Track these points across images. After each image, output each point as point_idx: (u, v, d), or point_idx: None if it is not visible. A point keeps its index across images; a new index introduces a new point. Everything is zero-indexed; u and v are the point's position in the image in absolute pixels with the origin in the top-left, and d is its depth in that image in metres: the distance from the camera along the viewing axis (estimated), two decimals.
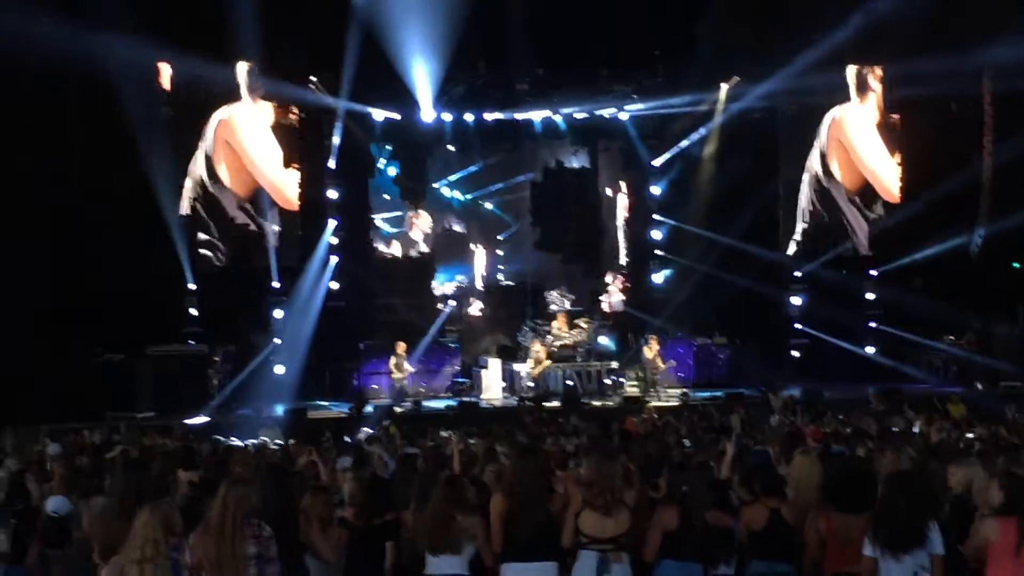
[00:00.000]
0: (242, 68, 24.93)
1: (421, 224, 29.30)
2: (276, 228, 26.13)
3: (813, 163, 27.54)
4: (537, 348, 25.77)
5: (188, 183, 25.20)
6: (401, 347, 25.34)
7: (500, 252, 30.18)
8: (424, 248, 29.39)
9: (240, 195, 25.79)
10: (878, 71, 26.82)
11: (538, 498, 8.15)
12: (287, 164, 26.18)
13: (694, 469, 9.43)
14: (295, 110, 26.60)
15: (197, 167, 25.31)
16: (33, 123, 22.41)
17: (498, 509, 8.18)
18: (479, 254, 29.86)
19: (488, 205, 30.23)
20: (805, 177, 27.59)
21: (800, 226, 27.81)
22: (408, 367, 25.18)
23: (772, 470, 9.10)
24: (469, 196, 29.98)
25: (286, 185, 26.17)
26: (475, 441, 14.15)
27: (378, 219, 29.15)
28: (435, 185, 29.50)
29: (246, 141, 25.68)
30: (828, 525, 7.58)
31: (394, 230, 29.45)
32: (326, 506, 8.48)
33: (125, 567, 6.86)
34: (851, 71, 26.79)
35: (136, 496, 7.81)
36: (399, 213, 29.40)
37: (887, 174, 27.18)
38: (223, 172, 25.55)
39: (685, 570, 8.19)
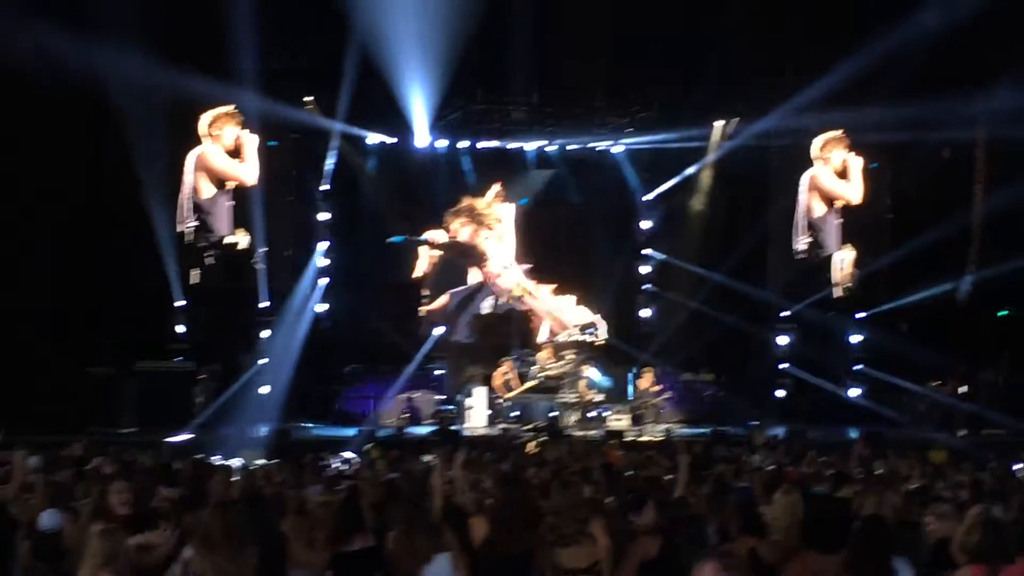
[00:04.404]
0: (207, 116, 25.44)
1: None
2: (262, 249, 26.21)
3: (801, 209, 27.85)
4: (505, 369, 25.78)
5: (181, 202, 25.33)
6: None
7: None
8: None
9: (231, 216, 25.88)
10: (838, 134, 27.59)
11: (521, 528, 8.09)
12: (276, 187, 26.37)
13: (674, 504, 9.43)
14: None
15: (187, 187, 25.42)
16: (32, 136, 22.42)
17: (479, 534, 8.14)
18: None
19: None
20: (797, 218, 27.87)
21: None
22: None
23: (752, 509, 9.06)
24: None
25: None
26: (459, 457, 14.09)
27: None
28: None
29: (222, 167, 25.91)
30: (804, 569, 7.55)
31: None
32: (309, 528, 8.46)
33: None
34: (817, 141, 27.66)
35: None
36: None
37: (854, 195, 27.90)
38: (207, 190, 25.70)
39: None
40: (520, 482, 9.32)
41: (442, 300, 28.90)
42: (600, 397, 26.03)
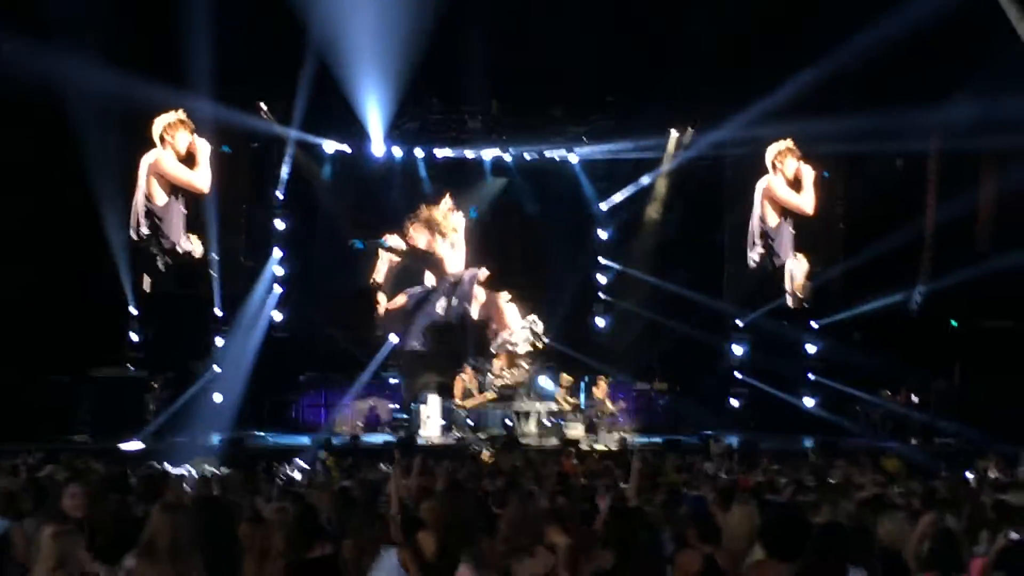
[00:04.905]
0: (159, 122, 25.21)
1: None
2: (216, 257, 26.01)
3: (755, 219, 27.94)
4: (467, 377, 25.77)
5: (135, 208, 25.11)
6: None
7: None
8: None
9: (185, 222, 25.68)
10: (790, 144, 27.63)
11: (468, 538, 8.00)
12: (231, 195, 26.21)
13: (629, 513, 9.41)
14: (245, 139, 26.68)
15: (140, 193, 25.20)
16: None
17: (427, 546, 8.10)
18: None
19: None
20: (751, 227, 27.96)
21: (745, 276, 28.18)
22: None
23: (708, 517, 9.06)
24: None
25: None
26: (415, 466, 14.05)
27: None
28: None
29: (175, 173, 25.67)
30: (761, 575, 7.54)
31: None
32: (263, 537, 8.37)
33: None
34: (770, 151, 27.65)
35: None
36: None
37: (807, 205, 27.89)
38: (160, 196, 25.48)
39: None
40: (467, 489, 9.27)
41: (399, 300, 28.89)
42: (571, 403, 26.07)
